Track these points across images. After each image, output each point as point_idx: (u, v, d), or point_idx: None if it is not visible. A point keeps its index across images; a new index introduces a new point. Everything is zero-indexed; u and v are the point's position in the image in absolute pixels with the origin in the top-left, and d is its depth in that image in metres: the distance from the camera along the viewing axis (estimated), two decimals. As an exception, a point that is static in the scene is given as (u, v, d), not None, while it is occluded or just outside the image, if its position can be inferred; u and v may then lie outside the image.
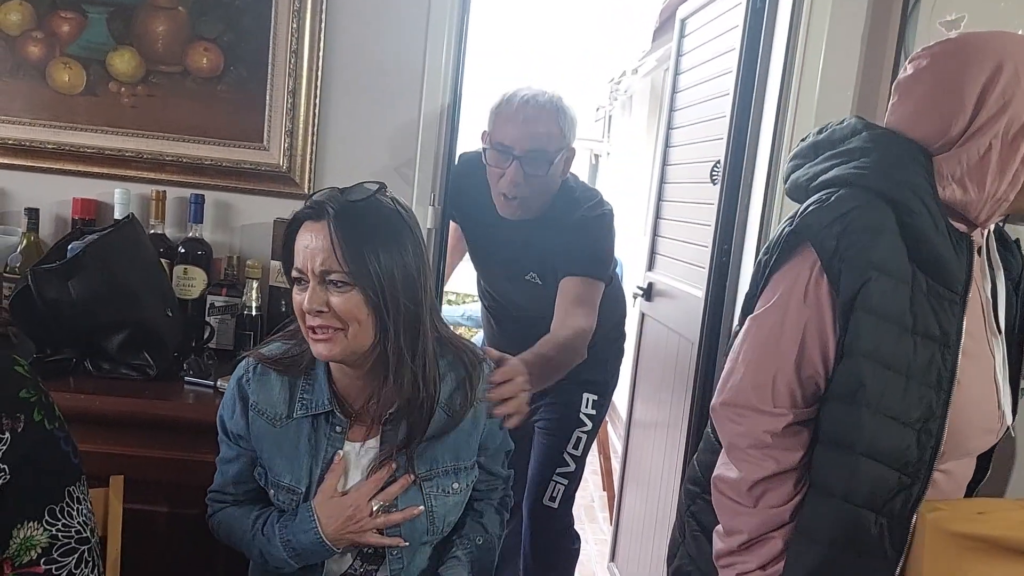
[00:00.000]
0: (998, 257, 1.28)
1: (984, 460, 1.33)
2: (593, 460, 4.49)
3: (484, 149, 1.99)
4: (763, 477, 1.18)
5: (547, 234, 2.02)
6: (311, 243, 1.24)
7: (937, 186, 1.17)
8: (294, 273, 1.28)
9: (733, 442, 1.22)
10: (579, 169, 8.63)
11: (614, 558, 3.20)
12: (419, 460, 1.36)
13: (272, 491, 1.39)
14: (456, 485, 1.40)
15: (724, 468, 1.24)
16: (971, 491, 1.31)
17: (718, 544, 1.25)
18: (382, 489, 1.35)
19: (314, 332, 1.26)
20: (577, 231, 2.00)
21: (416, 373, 1.30)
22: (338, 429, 1.36)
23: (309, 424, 1.36)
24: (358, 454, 1.38)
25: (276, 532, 1.36)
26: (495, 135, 1.95)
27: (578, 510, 4.00)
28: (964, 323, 1.15)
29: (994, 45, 1.16)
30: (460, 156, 2.17)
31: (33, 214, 1.93)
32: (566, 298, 1.94)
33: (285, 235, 1.30)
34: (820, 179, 1.23)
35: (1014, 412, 1.27)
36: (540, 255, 2.05)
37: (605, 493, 4.06)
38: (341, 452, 1.36)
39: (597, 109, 6.88)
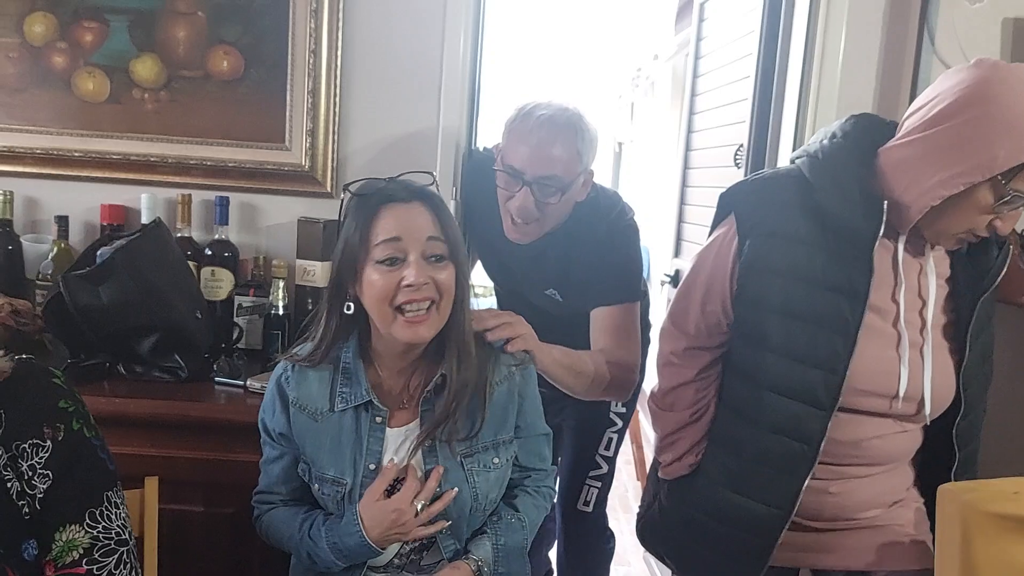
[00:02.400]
0: (939, 262, 1.40)
1: (946, 440, 1.42)
2: (626, 450, 4.48)
3: (495, 169, 1.80)
4: (670, 387, 1.52)
5: (569, 250, 1.85)
6: (413, 221, 1.32)
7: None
8: (385, 249, 1.31)
9: (658, 358, 1.56)
10: (602, 158, 8.65)
11: (649, 547, 3.19)
12: (459, 440, 1.39)
13: (317, 486, 1.41)
14: (496, 460, 1.42)
15: (655, 383, 1.56)
16: (947, 477, 1.41)
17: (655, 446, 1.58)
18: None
19: (404, 315, 1.30)
20: (605, 250, 1.83)
21: (465, 350, 1.38)
22: (378, 419, 1.39)
23: (351, 416, 1.39)
24: (400, 441, 1.40)
25: (323, 535, 1.37)
26: (507, 155, 1.76)
27: (612, 500, 3.99)
28: (873, 280, 1.31)
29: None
30: (471, 154, 2.10)
31: (63, 221, 1.97)
32: (607, 331, 1.79)
33: (360, 216, 1.33)
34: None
35: (964, 407, 1.39)
36: (561, 272, 1.88)
37: (639, 483, 4.06)
38: (394, 459, 1.38)
39: (619, 97, 6.85)
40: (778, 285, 1.35)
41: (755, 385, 1.38)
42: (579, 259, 1.84)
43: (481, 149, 2.13)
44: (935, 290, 1.38)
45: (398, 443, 1.40)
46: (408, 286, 1.29)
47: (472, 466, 1.40)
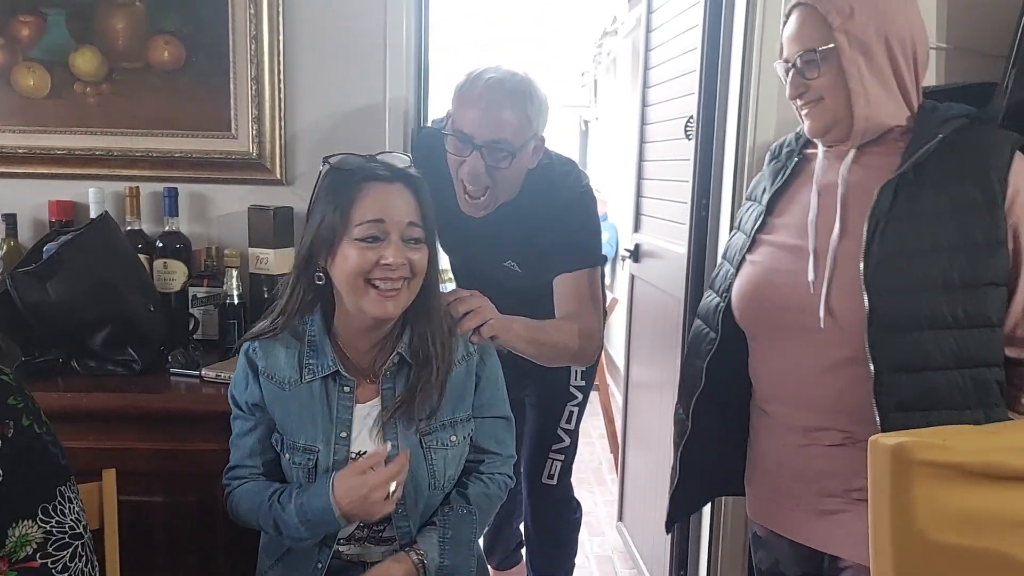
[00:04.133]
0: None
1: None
2: (599, 424, 4.54)
3: (445, 133, 1.80)
4: None
5: (527, 219, 1.84)
6: (394, 203, 1.36)
7: None
8: (367, 229, 1.34)
9: None
10: (569, 135, 8.67)
11: (622, 518, 3.24)
12: (419, 419, 1.42)
13: (288, 455, 1.43)
14: (454, 438, 1.45)
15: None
16: None
17: None
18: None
19: (378, 289, 1.35)
20: (564, 218, 1.83)
21: (433, 331, 1.43)
22: (346, 389, 1.42)
23: (319, 387, 1.42)
24: (364, 416, 1.43)
25: (292, 498, 1.39)
26: (456, 119, 1.75)
27: (586, 473, 4.07)
28: (759, 220, 1.48)
29: None
30: (420, 130, 2.08)
31: (11, 219, 1.96)
32: (571, 298, 1.81)
33: (342, 192, 1.36)
34: None
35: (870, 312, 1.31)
36: (519, 242, 1.87)
37: (612, 455, 4.10)
38: (388, 446, 1.40)
39: (583, 74, 6.84)
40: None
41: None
42: (538, 228, 1.84)
43: (431, 123, 2.12)
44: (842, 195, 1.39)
45: (363, 417, 1.43)
46: (386, 265, 1.34)
47: (430, 444, 1.43)
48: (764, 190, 1.53)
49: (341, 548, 1.48)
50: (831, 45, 1.32)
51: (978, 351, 1.28)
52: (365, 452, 1.41)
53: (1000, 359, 1.31)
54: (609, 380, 4.32)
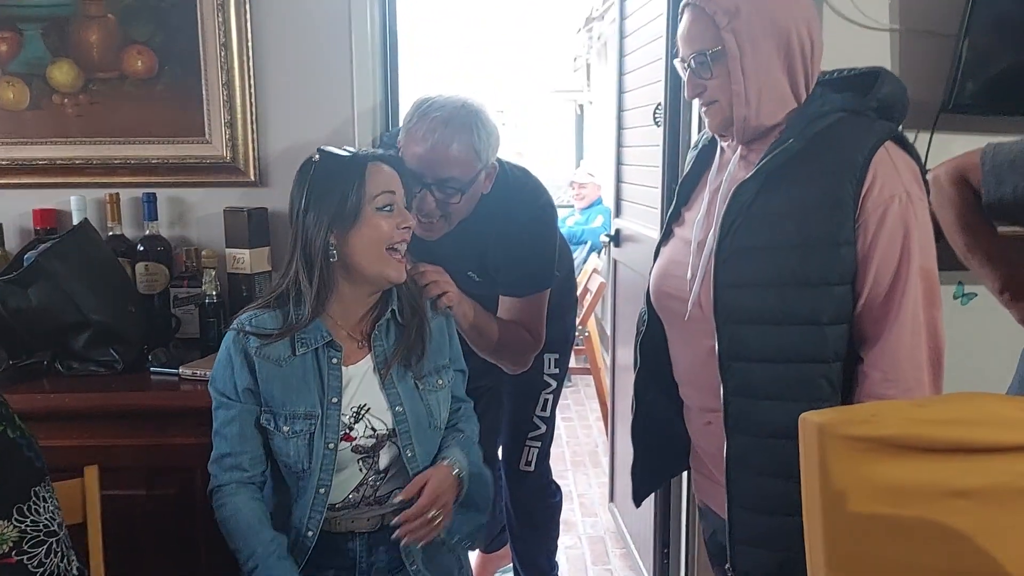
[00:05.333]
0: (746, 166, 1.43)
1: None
2: (596, 407, 4.60)
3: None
4: None
5: (481, 236, 1.86)
6: (395, 178, 1.54)
7: None
8: (385, 198, 1.51)
9: None
10: (564, 121, 8.70)
11: (613, 498, 3.30)
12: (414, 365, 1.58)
13: (288, 427, 1.50)
14: (440, 381, 1.62)
15: None
16: None
17: None
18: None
19: (397, 253, 1.52)
20: (517, 242, 1.86)
21: (412, 291, 1.61)
22: (334, 360, 1.53)
23: (311, 358, 1.52)
24: (359, 374, 1.55)
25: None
26: (405, 155, 1.74)
27: (582, 456, 4.14)
28: (672, 212, 1.54)
29: None
30: (382, 139, 2.08)
31: (-4, 229, 2.03)
32: (512, 315, 1.89)
33: (354, 174, 1.50)
34: None
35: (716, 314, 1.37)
36: (476, 257, 1.88)
37: (606, 439, 4.16)
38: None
39: (575, 59, 6.86)
40: None
41: None
42: (492, 247, 1.87)
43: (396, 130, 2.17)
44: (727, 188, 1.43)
45: (356, 376, 1.55)
46: (406, 227, 1.52)
47: (424, 387, 1.58)
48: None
49: (333, 515, 1.55)
50: (719, 47, 1.33)
51: (803, 347, 1.32)
52: (365, 405, 1.53)
53: (831, 356, 1.33)
54: (604, 363, 4.38)
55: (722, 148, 1.48)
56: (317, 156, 1.53)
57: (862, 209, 1.29)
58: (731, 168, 1.43)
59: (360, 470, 1.54)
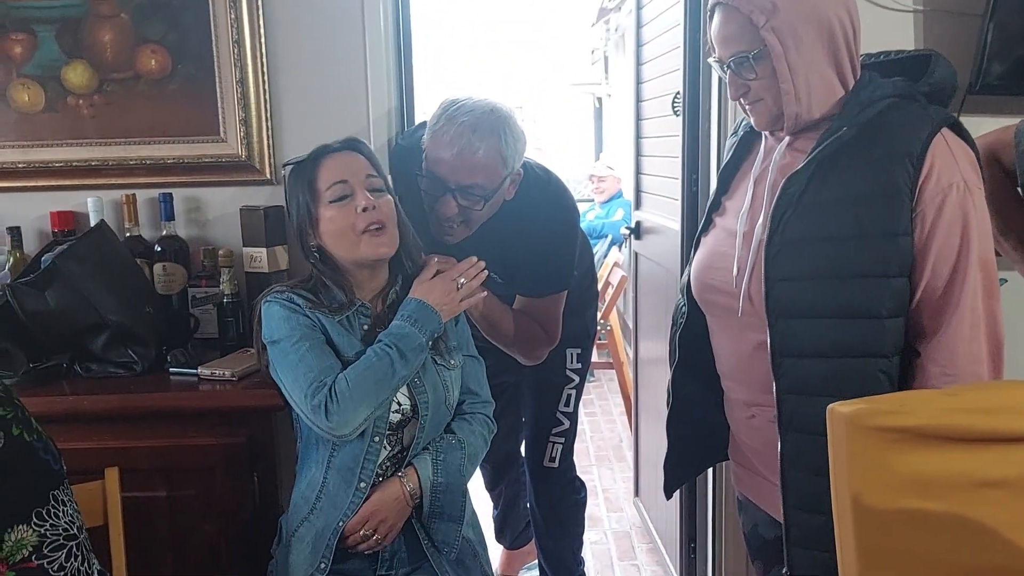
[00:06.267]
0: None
1: None
2: (619, 401, 4.57)
3: (419, 175, 1.78)
4: None
5: (503, 239, 1.84)
6: (351, 164, 1.57)
7: None
8: (336, 190, 1.54)
9: None
10: (583, 114, 8.64)
11: (638, 493, 3.27)
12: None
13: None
14: (453, 361, 1.67)
15: None
16: None
17: None
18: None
19: (371, 233, 1.53)
20: (538, 246, 1.85)
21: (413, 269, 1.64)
22: (365, 327, 1.60)
23: (347, 322, 1.59)
24: None
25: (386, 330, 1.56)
26: (429, 159, 1.73)
27: (606, 450, 4.11)
28: (712, 201, 1.51)
29: None
30: (396, 147, 2.05)
31: (15, 232, 2.02)
32: (529, 316, 1.89)
33: (305, 172, 1.57)
34: None
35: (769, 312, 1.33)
36: (496, 258, 1.79)
37: (630, 433, 4.13)
38: (435, 259, 1.65)
39: (592, 52, 6.81)
40: None
41: None
42: (513, 249, 1.85)
43: (415, 126, 2.14)
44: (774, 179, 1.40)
45: None
46: (364, 210, 1.52)
47: (440, 364, 1.63)
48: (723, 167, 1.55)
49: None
50: (761, 47, 1.29)
51: (861, 341, 1.28)
52: None
53: (890, 350, 1.29)
54: (626, 357, 4.34)
55: (765, 137, 1.45)
56: (284, 170, 1.62)
57: (919, 198, 1.24)
58: (776, 156, 1.39)
59: (384, 447, 1.59)
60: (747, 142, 1.51)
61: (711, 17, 1.36)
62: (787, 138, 1.38)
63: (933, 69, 1.32)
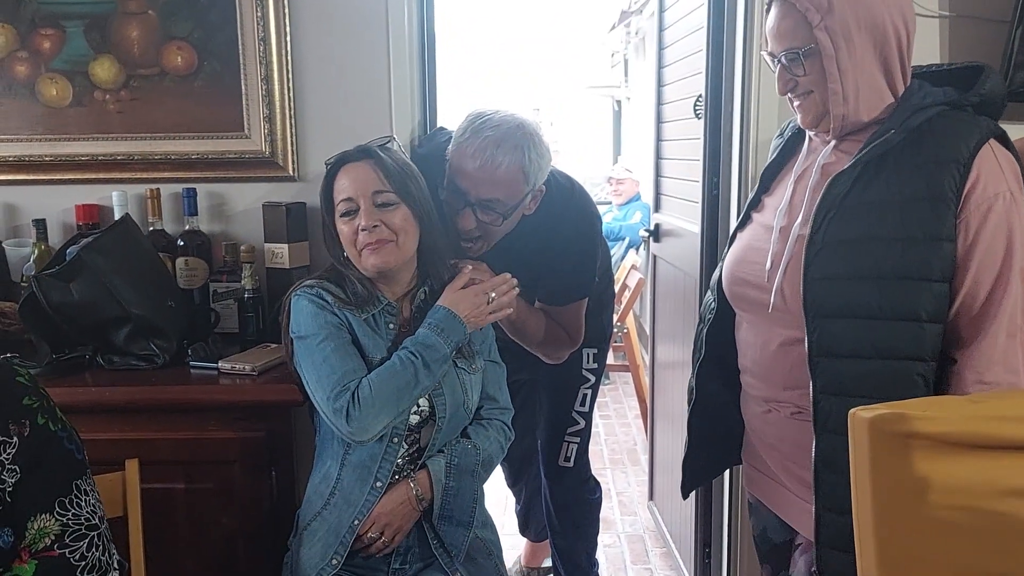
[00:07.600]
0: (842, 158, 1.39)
1: None
2: (634, 404, 4.56)
3: (440, 186, 1.77)
4: None
5: (526, 247, 1.85)
6: (360, 178, 1.57)
7: None
8: (343, 206, 1.58)
9: None
10: (603, 117, 8.64)
11: (652, 497, 3.27)
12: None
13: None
14: (474, 366, 1.68)
15: None
16: None
17: None
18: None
19: (368, 249, 1.56)
20: (559, 257, 1.86)
21: (445, 270, 1.66)
22: (392, 326, 1.62)
23: (372, 320, 1.61)
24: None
25: (413, 336, 1.58)
26: (452, 170, 1.74)
27: (621, 454, 4.10)
28: (752, 198, 1.53)
29: None
30: (416, 153, 2.04)
31: (40, 224, 2.05)
32: (551, 321, 1.91)
33: (325, 182, 1.62)
34: None
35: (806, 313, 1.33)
36: (519, 266, 1.77)
37: (645, 437, 4.12)
38: (469, 266, 1.67)
39: (612, 55, 6.81)
40: None
41: None
42: (535, 258, 1.86)
43: (432, 131, 2.16)
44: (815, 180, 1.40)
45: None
46: (363, 230, 1.55)
47: (461, 368, 1.65)
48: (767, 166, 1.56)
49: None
50: (812, 45, 1.31)
51: (900, 344, 1.27)
52: None
53: (927, 354, 1.28)
54: (642, 361, 4.34)
55: (810, 137, 1.45)
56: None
57: (964, 206, 1.25)
58: (821, 157, 1.39)
59: (403, 445, 1.60)
60: (792, 143, 1.52)
61: (768, 10, 1.38)
62: (833, 141, 1.38)
63: (984, 80, 1.32)
